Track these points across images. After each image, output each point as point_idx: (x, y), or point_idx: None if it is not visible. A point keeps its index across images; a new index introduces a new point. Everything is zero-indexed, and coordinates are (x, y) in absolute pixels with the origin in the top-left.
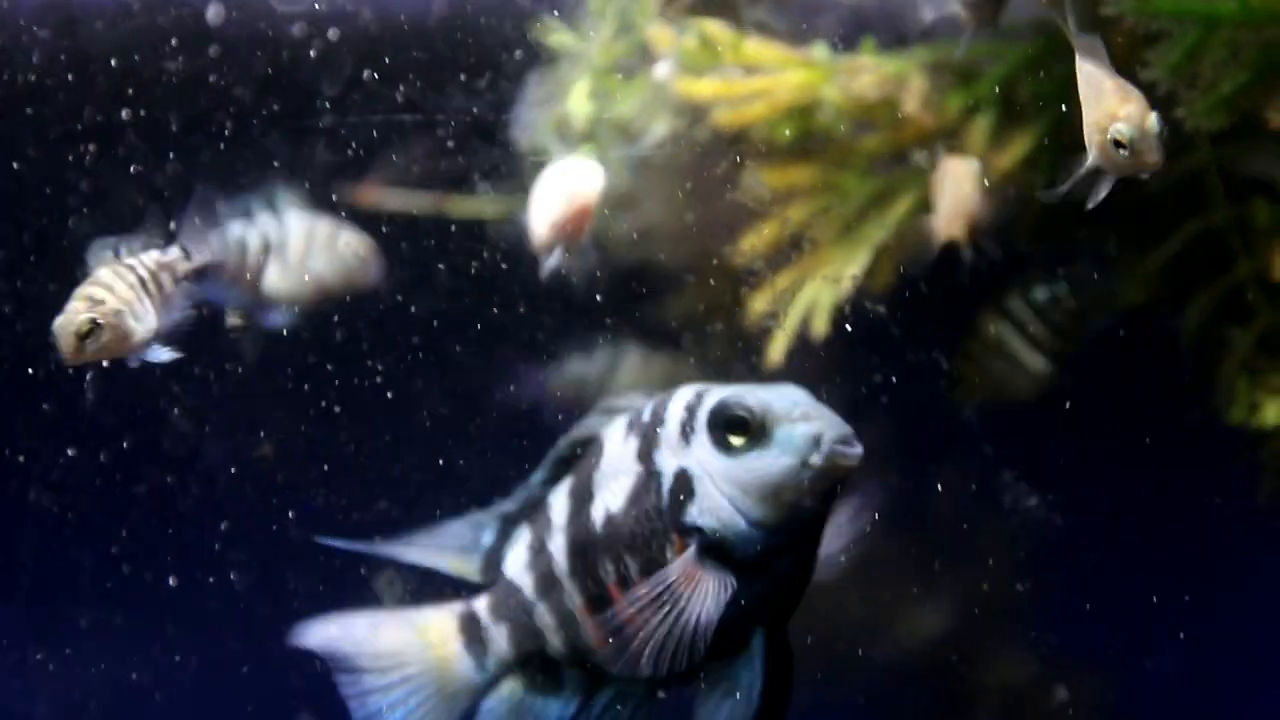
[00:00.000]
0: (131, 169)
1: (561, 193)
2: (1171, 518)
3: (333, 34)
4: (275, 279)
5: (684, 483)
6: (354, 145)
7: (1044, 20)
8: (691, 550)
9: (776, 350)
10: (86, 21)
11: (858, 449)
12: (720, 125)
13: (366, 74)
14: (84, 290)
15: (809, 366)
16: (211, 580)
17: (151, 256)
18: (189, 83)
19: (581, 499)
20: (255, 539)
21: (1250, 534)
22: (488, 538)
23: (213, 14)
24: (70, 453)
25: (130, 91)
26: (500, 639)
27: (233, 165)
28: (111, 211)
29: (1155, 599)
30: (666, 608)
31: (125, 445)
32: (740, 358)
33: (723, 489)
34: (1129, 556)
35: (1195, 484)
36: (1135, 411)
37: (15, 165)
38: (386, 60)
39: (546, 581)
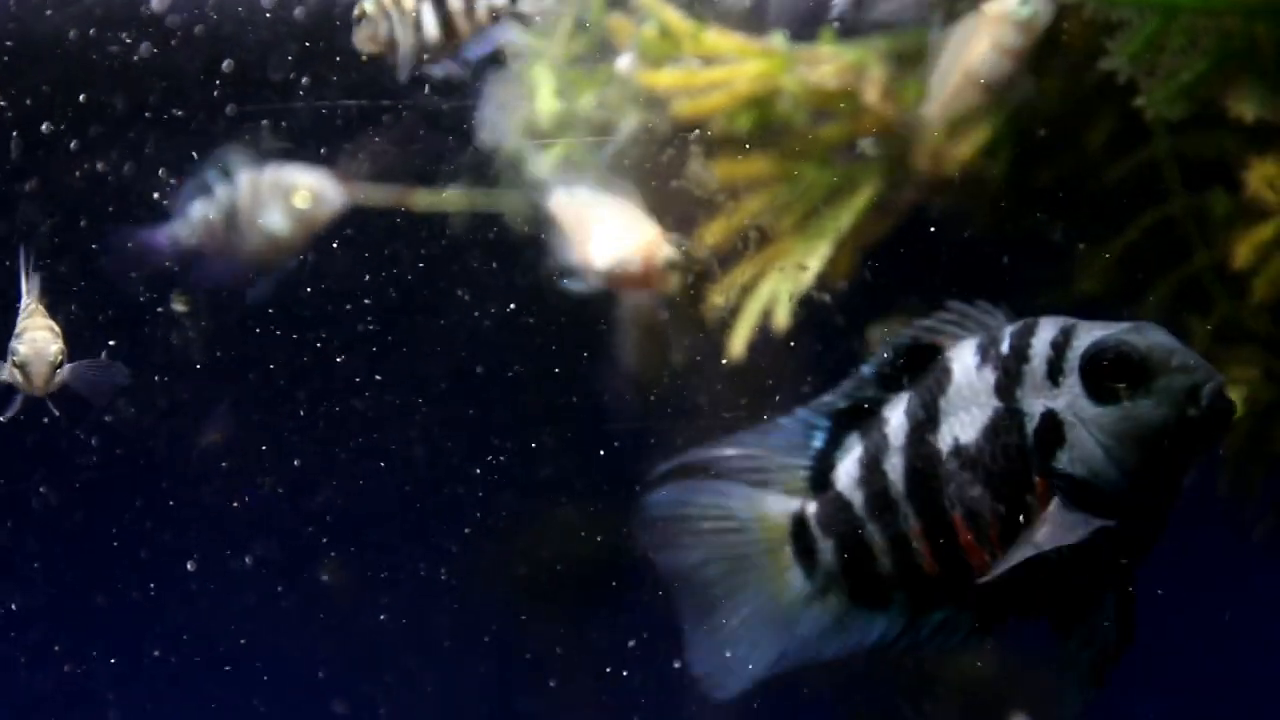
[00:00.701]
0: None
1: (638, 253)
2: None
3: (280, 21)
4: (241, 241)
5: (1053, 427)
6: (308, 136)
7: None
8: (1058, 500)
9: (738, 342)
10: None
11: (1234, 402)
12: (679, 116)
13: (319, 64)
14: (43, 321)
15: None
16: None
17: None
18: (146, 69)
19: (924, 422)
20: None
21: (1210, 526)
22: (819, 440)
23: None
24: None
25: (79, 78)
26: (827, 552)
27: (189, 156)
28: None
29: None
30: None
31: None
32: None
33: (1095, 436)
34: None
35: None
36: None
37: None
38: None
39: (879, 501)
